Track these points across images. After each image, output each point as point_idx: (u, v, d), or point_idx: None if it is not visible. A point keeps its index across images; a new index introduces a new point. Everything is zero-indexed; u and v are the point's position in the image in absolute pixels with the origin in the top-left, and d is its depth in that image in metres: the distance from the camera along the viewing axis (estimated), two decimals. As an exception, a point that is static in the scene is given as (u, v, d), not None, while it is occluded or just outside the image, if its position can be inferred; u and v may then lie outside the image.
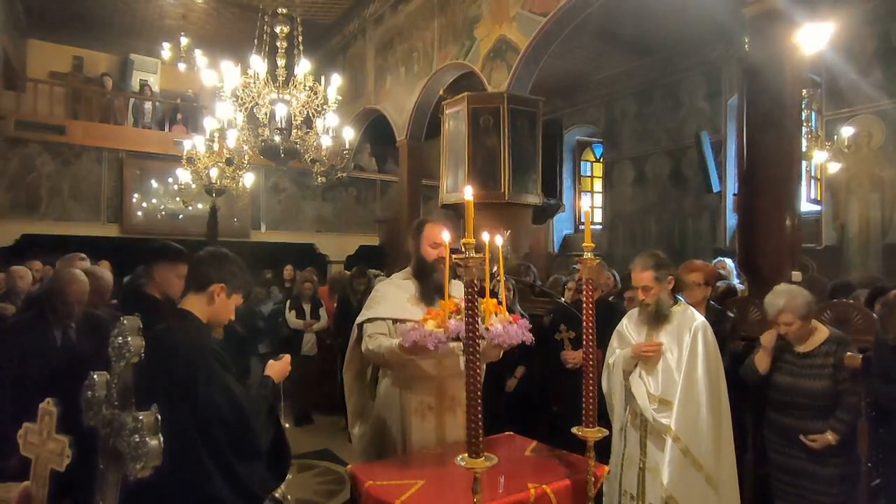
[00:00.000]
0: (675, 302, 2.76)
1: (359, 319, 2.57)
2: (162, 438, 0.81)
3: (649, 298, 2.71)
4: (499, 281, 4.16)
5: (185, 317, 1.92)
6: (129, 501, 1.47)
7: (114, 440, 0.82)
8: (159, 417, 0.82)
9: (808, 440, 2.76)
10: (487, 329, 1.99)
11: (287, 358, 2.18)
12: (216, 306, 1.94)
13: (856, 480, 2.83)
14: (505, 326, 2.04)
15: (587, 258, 1.87)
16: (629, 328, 2.88)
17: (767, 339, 2.94)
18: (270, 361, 2.13)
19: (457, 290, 2.54)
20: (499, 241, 2.05)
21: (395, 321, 2.50)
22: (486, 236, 1.94)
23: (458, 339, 1.99)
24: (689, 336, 2.61)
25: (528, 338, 2.10)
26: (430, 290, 2.52)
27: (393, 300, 2.53)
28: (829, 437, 2.71)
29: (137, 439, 0.80)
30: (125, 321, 0.87)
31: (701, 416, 2.54)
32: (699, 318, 2.68)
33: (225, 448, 1.77)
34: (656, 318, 2.71)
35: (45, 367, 2.48)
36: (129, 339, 0.85)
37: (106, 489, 0.82)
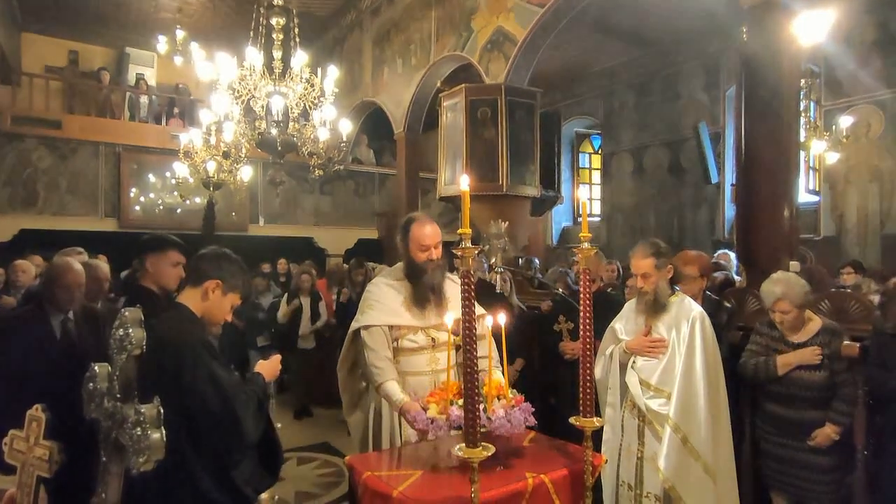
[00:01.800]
0: (673, 292, 2.77)
1: (354, 325, 2.55)
2: (164, 431, 0.81)
3: (648, 286, 2.71)
4: (498, 272, 4.17)
5: (178, 308, 1.95)
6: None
7: (116, 433, 0.82)
8: (161, 410, 0.83)
9: (810, 440, 2.76)
10: (490, 419, 1.96)
11: (277, 358, 2.17)
12: (210, 302, 1.96)
13: (850, 469, 2.85)
14: (507, 413, 2.01)
15: (584, 248, 1.88)
16: (627, 317, 2.88)
17: (808, 356, 2.79)
18: (261, 361, 2.13)
19: (454, 289, 2.54)
20: (501, 319, 2.00)
21: (390, 327, 2.50)
22: (489, 321, 1.91)
23: (460, 428, 1.95)
24: (686, 326, 2.61)
25: (532, 422, 2.08)
26: (422, 293, 2.50)
27: (387, 304, 2.51)
28: (830, 430, 2.71)
29: (139, 432, 0.80)
30: (126, 313, 0.87)
31: (699, 407, 2.54)
32: (697, 309, 2.68)
33: (210, 439, 1.76)
34: (654, 306, 2.71)
35: (44, 360, 2.48)
36: (131, 330, 0.85)
37: (109, 481, 0.83)
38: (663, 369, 2.63)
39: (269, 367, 2.10)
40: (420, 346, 2.52)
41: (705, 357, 2.58)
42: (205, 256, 2.02)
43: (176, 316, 1.92)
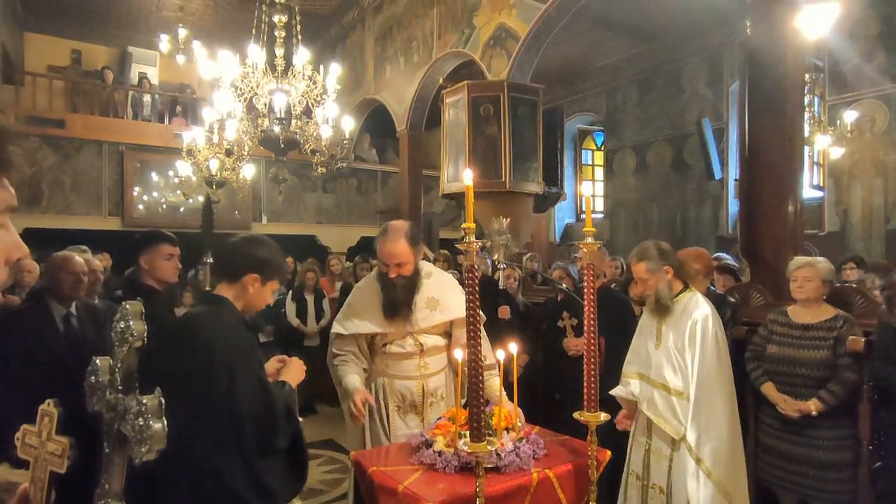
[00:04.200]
0: (685, 288, 2.72)
1: (334, 327, 2.59)
2: (166, 422, 0.82)
3: (648, 290, 2.71)
4: (500, 268, 4.16)
5: (222, 303, 1.88)
6: (143, 485, 1.50)
7: (118, 424, 0.83)
8: (163, 401, 0.83)
9: (789, 405, 2.76)
10: (499, 456, 1.92)
11: (299, 362, 2.15)
12: (252, 295, 1.90)
13: (855, 464, 2.83)
14: (516, 446, 1.99)
15: (588, 242, 1.87)
16: (643, 319, 2.88)
17: (785, 405, 2.84)
18: (285, 368, 2.10)
19: (434, 287, 2.54)
20: (513, 348, 1.96)
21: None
22: (500, 354, 1.86)
23: (468, 465, 1.90)
24: (688, 328, 2.58)
25: (542, 454, 2.06)
26: (387, 303, 2.48)
27: (364, 311, 2.52)
28: (812, 405, 2.70)
29: (142, 423, 0.81)
30: (127, 306, 0.88)
31: (699, 411, 2.51)
32: (702, 309, 2.62)
33: (249, 442, 1.76)
34: (659, 308, 2.70)
35: (48, 354, 2.50)
36: (132, 323, 0.86)
37: (112, 472, 0.83)
38: (670, 368, 2.64)
39: (293, 372, 2.07)
40: (408, 353, 2.52)
41: (705, 359, 2.54)
42: (238, 249, 1.93)
43: (221, 314, 1.86)
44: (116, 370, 0.86)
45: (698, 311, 2.60)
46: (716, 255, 6.37)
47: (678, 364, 2.60)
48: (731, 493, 2.51)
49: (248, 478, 1.74)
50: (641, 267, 2.69)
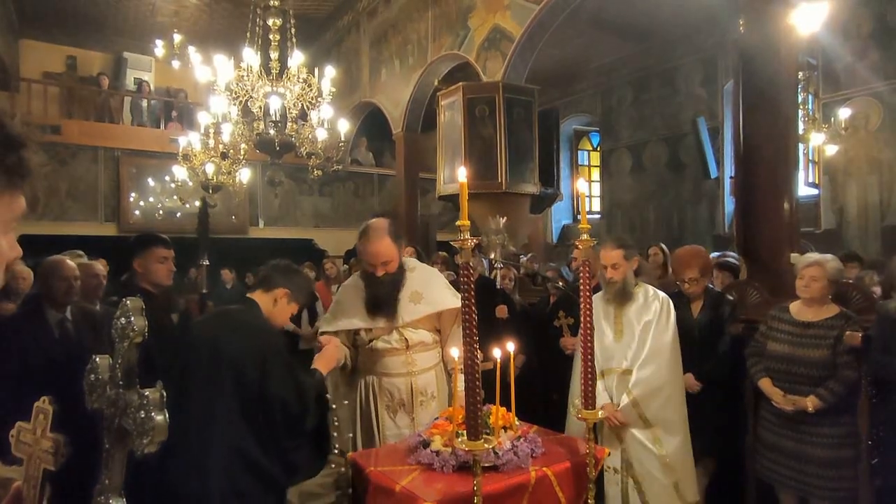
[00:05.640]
0: (636, 283, 2.90)
1: (322, 327, 2.65)
2: (167, 413, 0.83)
3: (617, 276, 2.83)
4: (497, 268, 4.17)
5: (255, 306, 2.18)
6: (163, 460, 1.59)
7: (119, 419, 0.84)
8: (164, 394, 0.84)
9: (786, 400, 2.78)
10: (497, 454, 1.92)
11: (332, 347, 2.32)
12: (277, 308, 2.21)
13: (855, 461, 2.82)
14: (514, 445, 1.99)
15: (583, 239, 1.88)
16: (596, 309, 2.91)
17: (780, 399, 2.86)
18: (317, 354, 2.31)
19: (417, 281, 2.56)
20: (510, 347, 1.99)
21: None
22: (497, 352, 1.89)
23: (466, 464, 1.90)
24: (656, 307, 2.80)
25: (540, 452, 2.08)
26: (370, 300, 2.51)
27: (350, 309, 2.56)
28: (809, 402, 2.70)
29: (143, 415, 0.82)
30: (128, 302, 0.88)
31: (660, 374, 2.69)
32: (662, 294, 2.86)
33: (278, 421, 2.00)
34: (622, 295, 2.83)
35: (43, 359, 2.48)
36: (133, 318, 0.87)
37: (112, 467, 0.84)
38: (636, 352, 2.75)
39: (325, 359, 2.28)
40: (394, 348, 2.52)
41: (664, 330, 2.76)
42: (278, 267, 2.29)
43: (255, 310, 2.16)
44: (117, 366, 0.87)
45: (662, 295, 2.84)
46: (719, 253, 6.40)
47: (643, 345, 2.74)
48: (678, 471, 2.63)
49: (276, 455, 2.01)
50: (619, 253, 2.83)
